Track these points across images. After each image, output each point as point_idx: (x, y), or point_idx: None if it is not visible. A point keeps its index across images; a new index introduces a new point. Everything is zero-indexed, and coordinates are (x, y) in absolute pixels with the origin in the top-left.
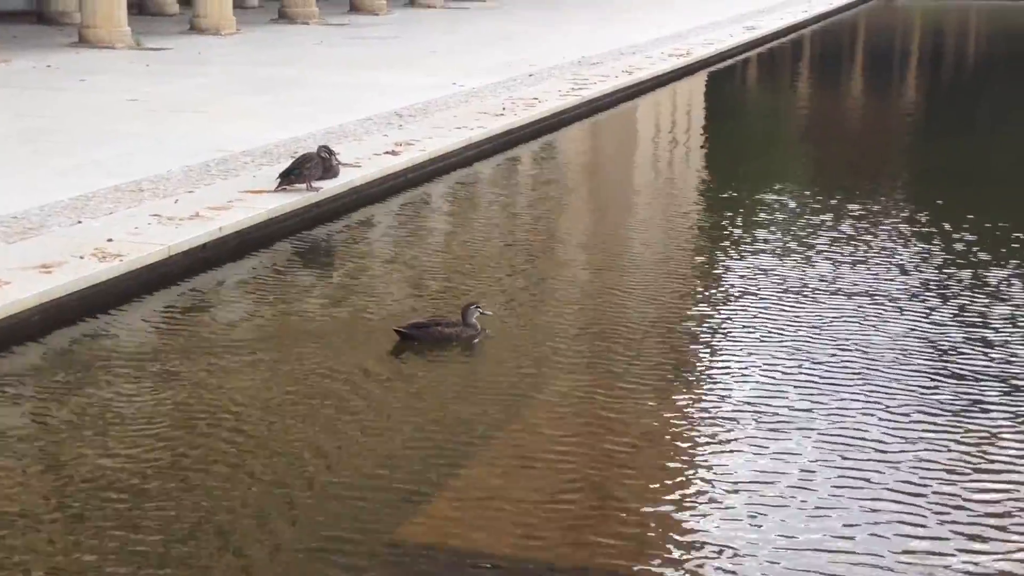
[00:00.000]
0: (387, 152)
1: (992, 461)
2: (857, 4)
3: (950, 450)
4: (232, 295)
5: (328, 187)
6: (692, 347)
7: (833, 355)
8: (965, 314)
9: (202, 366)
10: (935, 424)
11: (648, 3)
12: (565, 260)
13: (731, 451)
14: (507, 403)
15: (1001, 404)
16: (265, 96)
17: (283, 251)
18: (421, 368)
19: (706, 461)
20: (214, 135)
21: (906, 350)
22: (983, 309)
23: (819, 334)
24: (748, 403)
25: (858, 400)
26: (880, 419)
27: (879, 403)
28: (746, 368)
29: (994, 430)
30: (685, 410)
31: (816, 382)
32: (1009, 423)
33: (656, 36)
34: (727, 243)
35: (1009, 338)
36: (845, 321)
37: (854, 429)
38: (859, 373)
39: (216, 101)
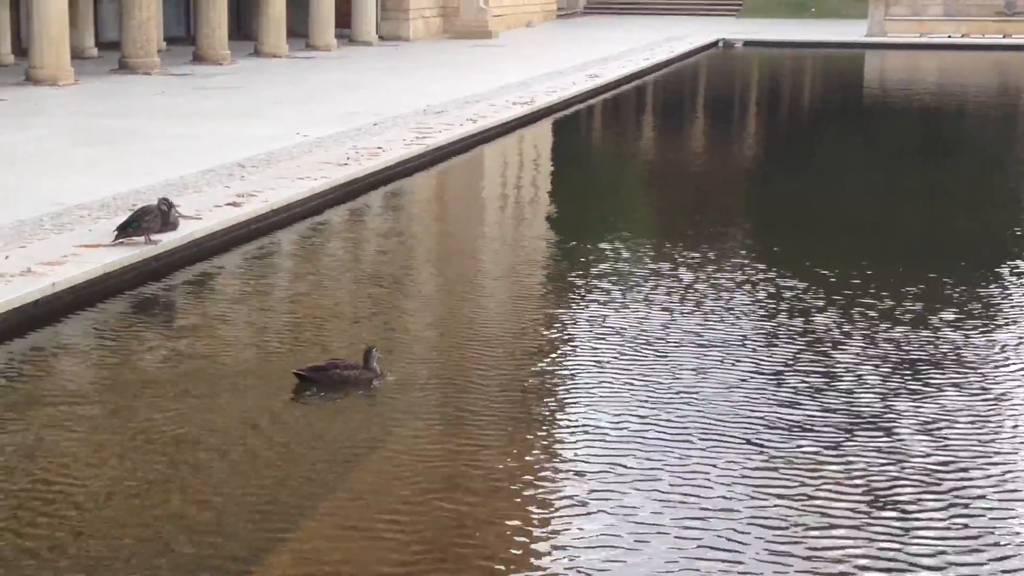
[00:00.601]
0: (229, 204)
1: (828, 515)
2: (697, 52)
3: (787, 503)
4: (65, 353)
5: (167, 240)
6: (538, 400)
7: (673, 407)
8: (801, 363)
9: (30, 428)
10: (772, 477)
11: (491, 53)
12: (411, 311)
13: (575, 508)
14: (351, 458)
15: (835, 455)
16: (103, 148)
17: (120, 306)
18: (254, 422)
19: (550, 519)
20: (49, 188)
21: (743, 401)
22: (819, 358)
23: (660, 386)
24: (591, 458)
25: (696, 452)
26: (719, 472)
27: (717, 455)
28: (589, 422)
29: (830, 481)
30: (531, 466)
31: (656, 435)
32: (843, 475)
33: (500, 85)
34: (572, 294)
35: (845, 387)
36: (685, 372)
37: (693, 483)
38: (698, 425)
39: (51, 153)
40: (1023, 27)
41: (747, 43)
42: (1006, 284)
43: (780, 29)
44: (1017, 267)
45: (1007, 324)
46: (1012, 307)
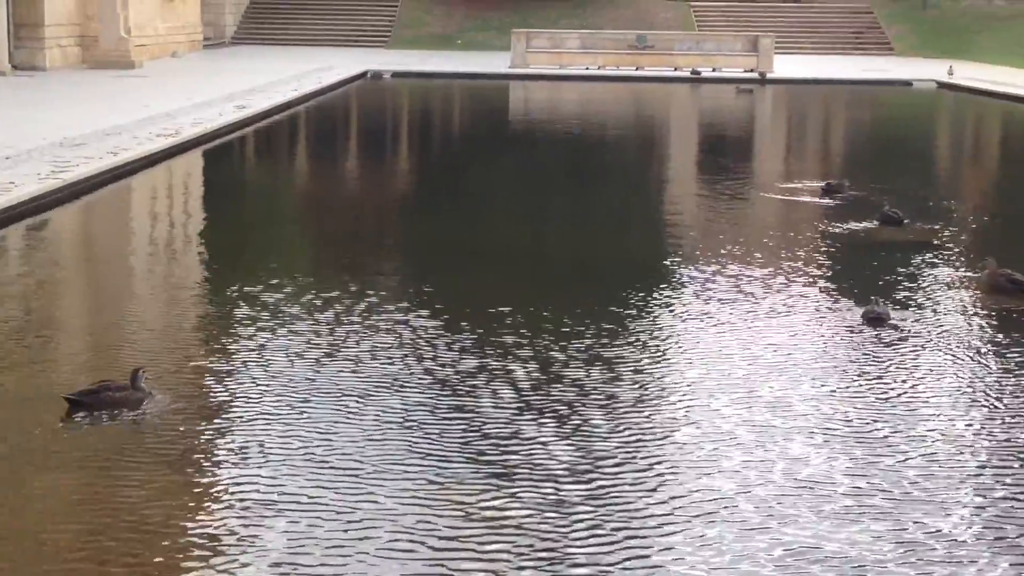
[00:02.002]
0: None
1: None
2: (346, 83)
3: (439, 566)
4: None
5: None
6: (191, 460)
7: (308, 467)
8: (449, 408)
9: None
10: (416, 540)
11: (135, 84)
12: (51, 361)
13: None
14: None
15: (487, 505)
16: None
17: None
18: None
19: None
20: None
21: (385, 457)
22: (467, 402)
23: (300, 442)
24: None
25: (334, 519)
26: (363, 543)
27: (358, 526)
28: (234, 489)
29: (486, 535)
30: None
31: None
32: (500, 527)
33: (144, 116)
34: (223, 341)
35: (495, 431)
36: (325, 425)
37: (334, 560)
38: (333, 488)
39: None
40: (654, 60)
41: (395, 74)
42: (655, 313)
43: (428, 60)
44: (665, 295)
45: (658, 357)
46: (666, 337)
